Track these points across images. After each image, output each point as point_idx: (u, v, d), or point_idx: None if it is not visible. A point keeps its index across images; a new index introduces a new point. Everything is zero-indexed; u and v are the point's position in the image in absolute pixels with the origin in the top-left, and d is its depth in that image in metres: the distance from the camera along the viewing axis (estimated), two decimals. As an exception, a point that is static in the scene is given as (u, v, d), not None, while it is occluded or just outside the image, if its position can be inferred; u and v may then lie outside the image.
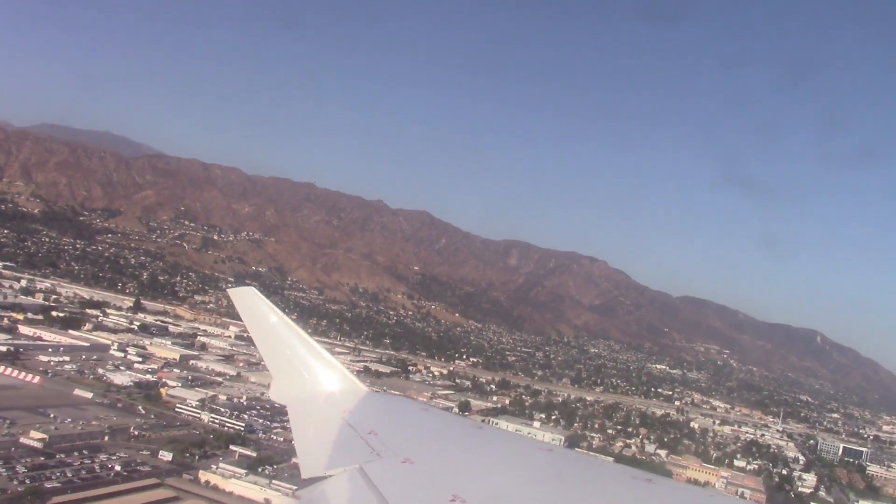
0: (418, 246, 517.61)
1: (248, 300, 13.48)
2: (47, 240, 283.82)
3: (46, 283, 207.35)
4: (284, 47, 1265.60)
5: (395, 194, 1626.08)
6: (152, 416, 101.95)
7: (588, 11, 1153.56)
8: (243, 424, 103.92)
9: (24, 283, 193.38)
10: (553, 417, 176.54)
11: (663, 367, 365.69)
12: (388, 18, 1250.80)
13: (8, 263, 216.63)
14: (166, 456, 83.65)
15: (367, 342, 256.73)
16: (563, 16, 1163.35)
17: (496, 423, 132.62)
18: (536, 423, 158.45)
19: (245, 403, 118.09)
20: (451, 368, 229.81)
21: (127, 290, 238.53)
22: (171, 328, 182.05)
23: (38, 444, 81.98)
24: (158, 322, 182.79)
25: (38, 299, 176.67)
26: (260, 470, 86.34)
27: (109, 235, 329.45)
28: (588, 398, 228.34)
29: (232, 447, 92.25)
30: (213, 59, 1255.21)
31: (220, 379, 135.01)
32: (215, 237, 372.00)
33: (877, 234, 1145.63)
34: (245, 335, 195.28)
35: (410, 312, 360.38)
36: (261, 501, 78.44)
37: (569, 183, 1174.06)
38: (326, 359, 12.52)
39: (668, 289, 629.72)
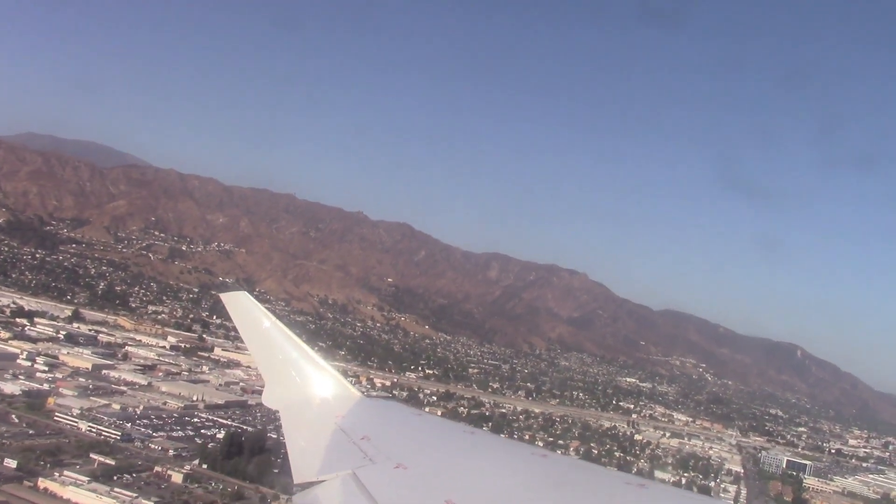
0: (397, 258, 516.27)
1: (241, 305, 13.56)
2: (6, 249, 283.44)
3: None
4: (269, 58, 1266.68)
5: (378, 206, 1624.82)
6: (24, 425, 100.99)
7: (570, 16, 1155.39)
8: (120, 433, 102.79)
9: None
10: (484, 429, 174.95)
11: (633, 380, 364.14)
12: (370, 31, 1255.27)
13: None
14: (11, 463, 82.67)
15: (320, 353, 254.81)
16: (548, 23, 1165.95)
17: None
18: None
19: (139, 413, 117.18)
20: (396, 380, 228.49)
21: (76, 301, 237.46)
22: (105, 338, 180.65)
23: None
24: (90, 332, 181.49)
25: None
26: (116, 478, 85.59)
27: (74, 245, 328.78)
28: (536, 410, 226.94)
29: (92, 455, 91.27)
30: (198, 69, 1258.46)
31: (125, 388, 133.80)
32: (184, 248, 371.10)
33: (861, 248, 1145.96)
34: (181, 345, 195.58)
35: (378, 324, 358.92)
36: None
37: (554, 195, 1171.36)
38: (319, 364, 12.84)
39: (651, 302, 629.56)
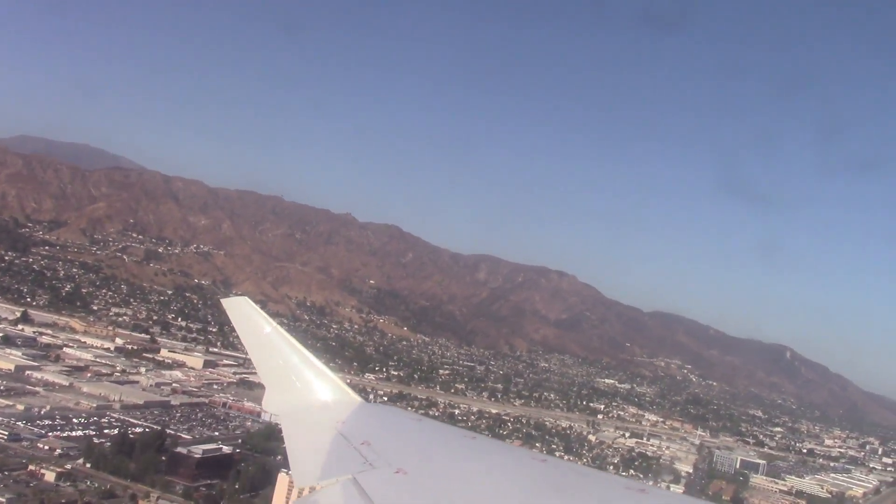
0: (383, 260, 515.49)
1: (242, 310, 13.69)
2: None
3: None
4: (260, 59, 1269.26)
5: (369, 209, 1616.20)
6: None
7: (562, 18, 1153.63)
8: (7, 433, 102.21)
9: None
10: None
11: (612, 381, 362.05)
12: (357, 31, 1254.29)
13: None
14: None
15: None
16: (547, 23, 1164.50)
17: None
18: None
19: (42, 413, 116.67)
20: (350, 381, 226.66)
21: (36, 303, 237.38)
22: (48, 339, 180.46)
23: None
24: (33, 334, 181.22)
25: None
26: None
27: (47, 248, 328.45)
28: (492, 411, 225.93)
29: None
30: (191, 73, 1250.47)
31: (40, 389, 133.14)
32: (160, 250, 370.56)
33: (853, 250, 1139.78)
34: (127, 347, 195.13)
35: (356, 326, 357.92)
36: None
37: (547, 197, 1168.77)
38: (320, 369, 12.74)
39: (643, 305, 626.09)
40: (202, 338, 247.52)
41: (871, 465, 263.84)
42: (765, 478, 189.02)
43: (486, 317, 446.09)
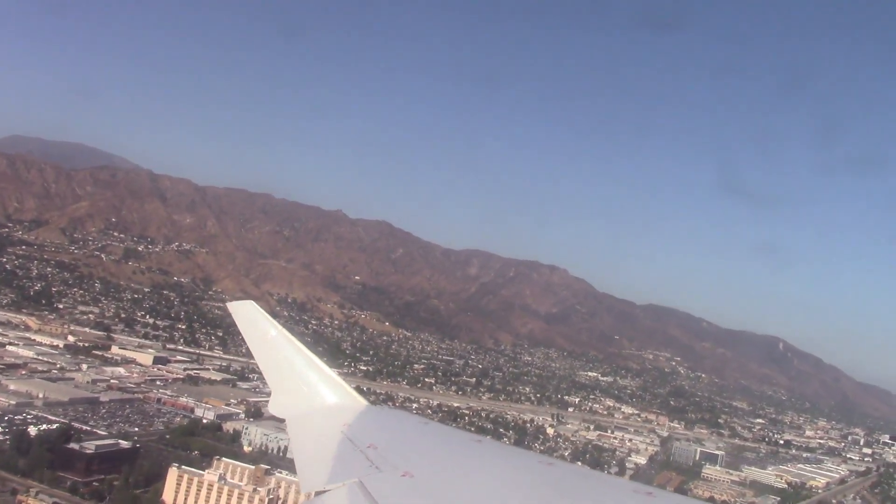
0: (372, 256, 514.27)
1: (247, 314, 13.77)
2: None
3: None
4: (253, 57, 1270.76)
5: (360, 205, 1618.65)
6: None
7: (561, 18, 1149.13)
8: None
9: None
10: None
11: (595, 374, 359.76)
12: (349, 30, 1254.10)
13: None
14: None
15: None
16: (545, 23, 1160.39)
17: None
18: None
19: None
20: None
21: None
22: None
23: None
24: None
25: None
26: None
27: (24, 247, 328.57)
28: (454, 404, 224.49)
29: None
30: (185, 72, 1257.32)
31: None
32: (140, 248, 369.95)
33: (846, 241, 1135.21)
34: (79, 344, 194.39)
35: (336, 322, 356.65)
36: None
37: (542, 192, 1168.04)
38: (326, 373, 12.83)
39: (639, 298, 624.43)
40: (166, 335, 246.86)
41: (847, 456, 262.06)
42: (720, 469, 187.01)
43: (473, 311, 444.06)
